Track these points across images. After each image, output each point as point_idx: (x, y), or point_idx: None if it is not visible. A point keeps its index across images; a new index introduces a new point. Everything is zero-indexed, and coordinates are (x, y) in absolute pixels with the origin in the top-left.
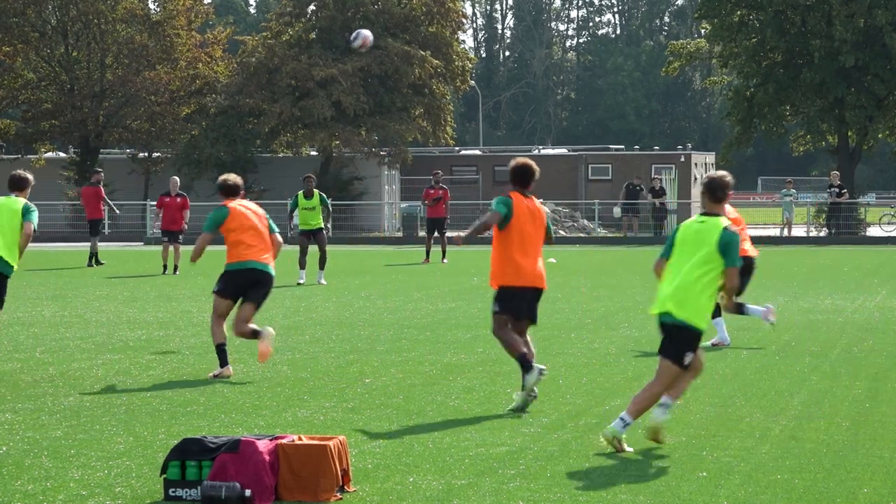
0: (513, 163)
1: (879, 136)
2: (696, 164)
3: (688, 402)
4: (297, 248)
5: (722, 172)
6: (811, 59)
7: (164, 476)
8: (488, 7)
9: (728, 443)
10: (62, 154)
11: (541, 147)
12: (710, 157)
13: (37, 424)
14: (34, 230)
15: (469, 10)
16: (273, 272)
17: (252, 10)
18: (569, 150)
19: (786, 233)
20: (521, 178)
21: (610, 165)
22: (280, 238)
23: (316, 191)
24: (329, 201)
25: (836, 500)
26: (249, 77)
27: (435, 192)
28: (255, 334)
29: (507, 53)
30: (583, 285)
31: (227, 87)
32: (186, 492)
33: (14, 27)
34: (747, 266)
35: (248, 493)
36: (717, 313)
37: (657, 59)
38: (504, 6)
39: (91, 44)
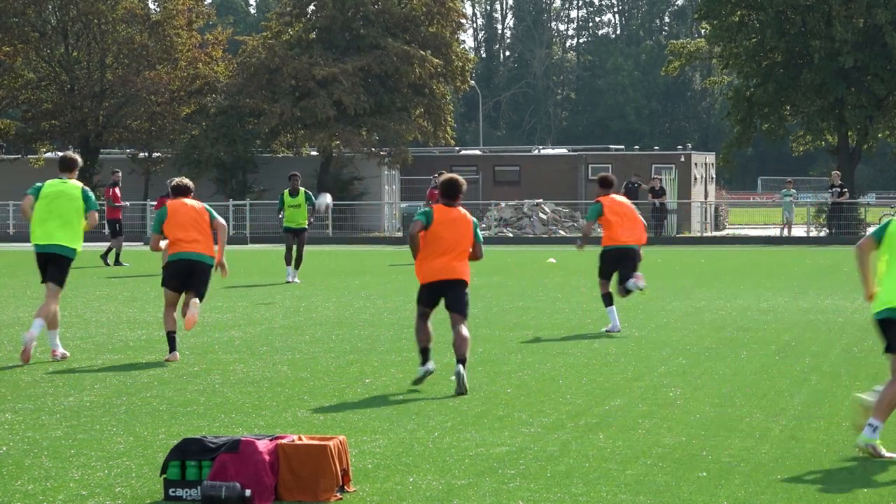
0: (442, 178)
1: (879, 136)
2: (696, 164)
3: (687, 402)
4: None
5: None
6: (811, 59)
7: (164, 476)
8: (488, 7)
9: (728, 443)
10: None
11: (541, 147)
12: (711, 157)
13: (37, 424)
14: (97, 218)
15: (469, 10)
16: (210, 261)
17: (252, 10)
18: (569, 150)
19: (786, 233)
20: (449, 192)
21: (610, 165)
22: (222, 221)
23: (301, 189)
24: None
25: (836, 500)
26: (250, 77)
27: (438, 193)
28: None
29: (507, 53)
30: (583, 285)
31: (227, 88)
32: (186, 492)
33: (14, 27)
34: None
35: (248, 493)
36: (609, 301)
37: (657, 59)
38: (504, 6)
39: (91, 44)
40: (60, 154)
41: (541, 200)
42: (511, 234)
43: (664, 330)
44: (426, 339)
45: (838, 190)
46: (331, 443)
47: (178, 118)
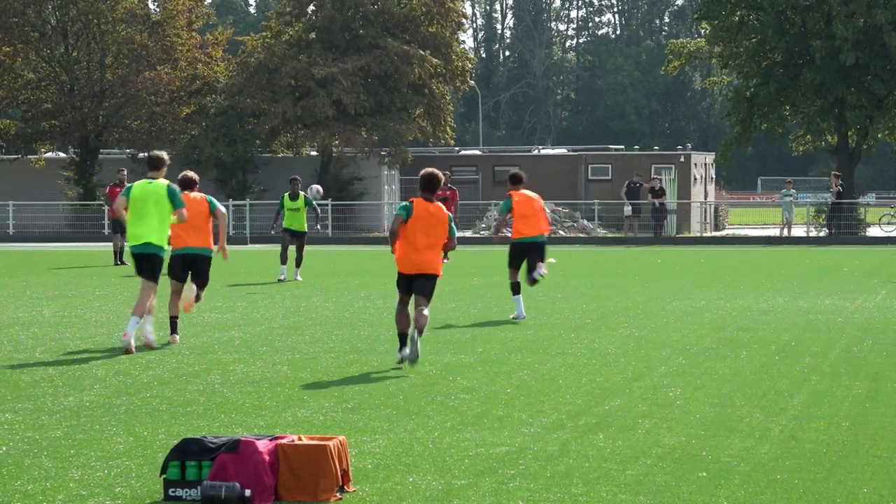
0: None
1: (879, 135)
2: (695, 164)
3: (687, 402)
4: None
5: None
6: (811, 58)
7: (164, 476)
8: (488, 7)
9: (728, 443)
10: (62, 154)
11: (541, 147)
12: (710, 158)
13: (37, 424)
14: (185, 213)
15: (469, 10)
16: (209, 252)
17: (252, 10)
18: (569, 150)
19: (786, 233)
20: (428, 186)
21: (610, 165)
22: (222, 209)
23: (301, 193)
24: (315, 203)
25: (836, 500)
26: (249, 77)
27: (443, 193)
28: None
29: (506, 53)
30: (583, 285)
31: (227, 88)
32: (186, 492)
33: (14, 27)
34: None
35: (247, 493)
36: (516, 290)
37: (657, 59)
38: (504, 6)
39: (91, 44)
40: (149, 154)
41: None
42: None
43: (664, 330)
44: (405, 325)
45: (839, 190)
46: (331, 443)
47: (178, 118)
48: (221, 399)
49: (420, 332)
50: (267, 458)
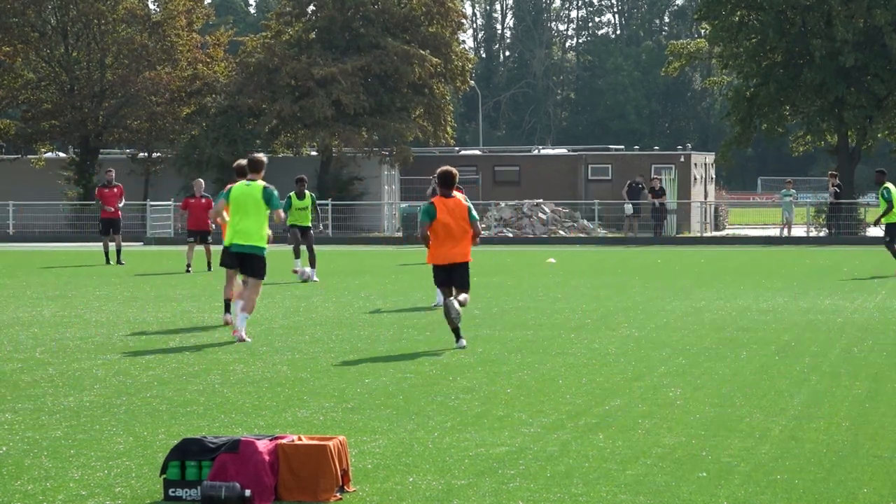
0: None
1: (879, 136)
2: (695, 164)
3: (687, 402)
4: (287, 245)
5: None
6: (811, 59)
7: (164, 476)
8: (488, 7)
9: (728, 443)
10: (62, 154)
11: (541, 147)
12: (710, 158)
13: (37, 424)
14: (282, 215)
15: (469, 10)
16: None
17: (252, 10)
18: (569, 150)
19: (786, 233)
20: (445, 182)
21: (610, 165)
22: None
23: (307, 192)
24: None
25: (836, 500)
26: (249, 77)
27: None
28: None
29: (506, 53)
30: (583, 285)
31: (226, 88)
32: (186, 492)
33: (14, 27)
34: None
35: (247, 493)
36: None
37: (657, 59)
38: (504, 6)
39: (91, 44)
40: (249, 156)
41: (540, 200)
42: (511, 234)
43: (664, 330)
44: (456, 319)
45: (836, 190)
46: (331, 443)
47: (178, 118)
48: (221, 399)
49: (463, 304)
50: (267, 458)
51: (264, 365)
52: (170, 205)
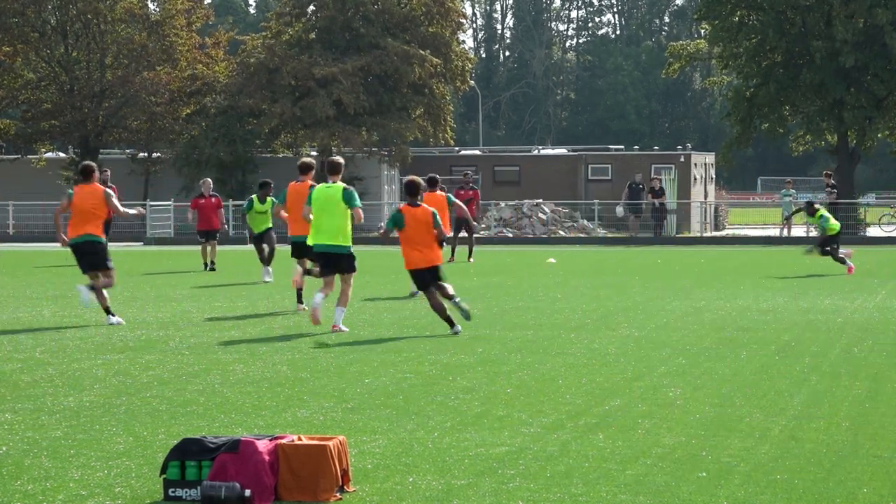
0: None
1: (879, 136)
2: (695, 164)
3: (687, 402)
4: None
5: None
6: (811, 59)
7: (164, 476)
8: (488, 7)
9: (728, 443)
10: (62, 154)
11: (541, 147)
12: (710, 158)
13: (37, 424)
14: (362, 214)
15: (469, 10)
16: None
17: (252, 10)
18: (569, 150)
19: (786, 233)
20: (410, 191)
21: (610, 165)
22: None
23: (269, 197)
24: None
25: (836, 500)
26: (249, 77)
27: (465, 194)
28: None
29: (506, 53)
30: (583, 285)
31: (227, 88)
32: (186, 492)
33: (14, 27)
34: None
35: (247, 493)
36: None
37: (657, 59)
38: (504, 6)
39: (91, 44)
40: (330, 159)
41: (540, 200)
42: (511, 234)
43: (664, 330)
44: (441, 310)
45: (830, 189)
46: (331, 443)
47: (178, 118)
48: (221, 399)
49: (452, 298)
50: (267, 458)
51: (264, 365)
52: (169, 205)
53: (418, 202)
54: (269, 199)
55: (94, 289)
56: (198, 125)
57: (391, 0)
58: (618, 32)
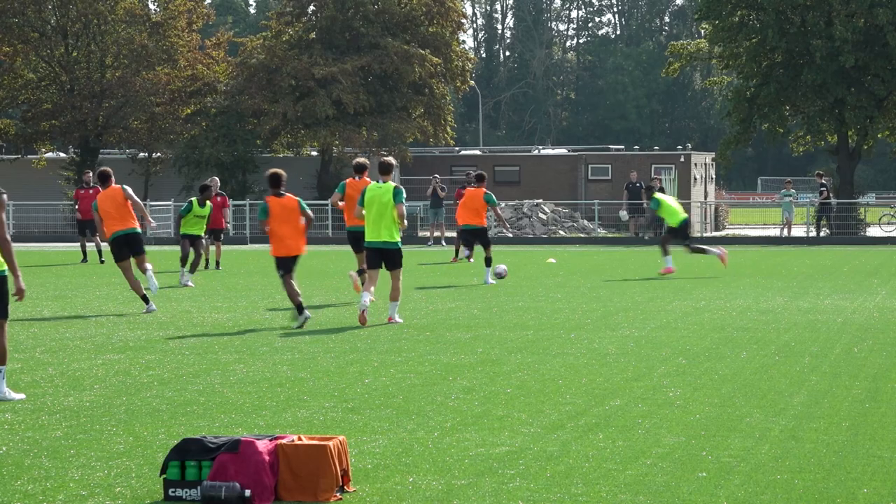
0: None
1: (879, 136)
2: (696, 164)
3: (687, 402)
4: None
5: None
6: (812, 59)
7: (164, 476)
8: (488, 7)
9: (728, 443)
10: (62, 154)
11: (541, 147)
12: (710, 158)
13: (37, 424)
14: (405, 210)
15: (469, 10)
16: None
17: (252, 10)
18: (569, 151)
19: (786, 233)
20: (273, 183)
21: (610, 165)
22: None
23: (208, 202)
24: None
25: (836, 500)
26: (249, 77)
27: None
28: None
29: (507, 53)
30: (583, 285)
31: (227, 88)
32: (186, 492)
33: (14, 27)
34: None
35: (247, 493)
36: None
37: (657, 59)
38: (504, 6)
39: (91, 44)
40: (381, 160)
41: (540, 200)
42: (511, 234)
43: (664, 330)
44: (295, 295)
45: (822, 190)
46: (331, 443)
47: (178, 118)
48: (221, 399)
49: (293, 292)
50: (267, 458)
51: (264, 365)
52: (170, 205)
53: (282, 192)
54: (208, 203)
55: (146, 272)
56: (198, 125)
57: (391, 0)
58: (618, 32)
